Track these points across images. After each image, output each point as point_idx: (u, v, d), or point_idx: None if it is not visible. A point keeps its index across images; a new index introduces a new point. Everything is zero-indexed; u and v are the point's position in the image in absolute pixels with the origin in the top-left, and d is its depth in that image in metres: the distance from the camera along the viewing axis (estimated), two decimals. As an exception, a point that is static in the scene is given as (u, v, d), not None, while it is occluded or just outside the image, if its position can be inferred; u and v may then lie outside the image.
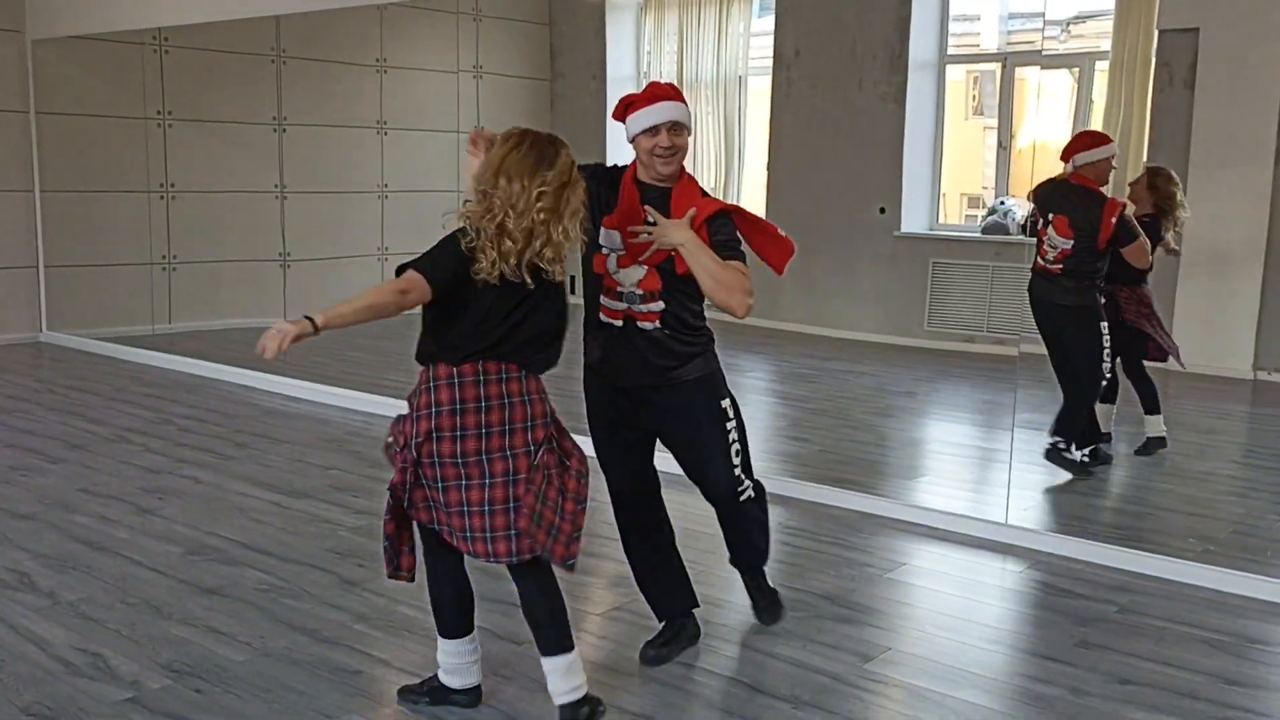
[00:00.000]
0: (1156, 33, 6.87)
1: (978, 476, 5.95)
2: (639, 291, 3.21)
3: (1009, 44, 8.67)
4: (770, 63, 9.25)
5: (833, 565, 4.27)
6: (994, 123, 8.50)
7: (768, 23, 9.37)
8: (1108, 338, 5.25)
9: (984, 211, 8.56)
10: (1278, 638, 3.79)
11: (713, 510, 3.51)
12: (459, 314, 2.81)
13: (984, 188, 8.97)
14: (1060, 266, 5.25)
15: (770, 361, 8.55)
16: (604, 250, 3.23)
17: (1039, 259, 5.36)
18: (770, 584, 3.70)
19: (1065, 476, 5.44)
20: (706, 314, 3.33)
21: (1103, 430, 5.55)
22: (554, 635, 2.95)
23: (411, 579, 2.99)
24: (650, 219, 3.17)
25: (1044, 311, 5.39)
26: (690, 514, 3.64)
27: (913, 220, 8.81)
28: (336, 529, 4.60)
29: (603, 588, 3.99)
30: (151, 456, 5.66)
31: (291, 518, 4.74)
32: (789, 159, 9.19)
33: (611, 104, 3.31)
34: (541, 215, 2.77)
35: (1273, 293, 6.43)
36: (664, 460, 3.43)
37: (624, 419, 3.34)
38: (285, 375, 7.14)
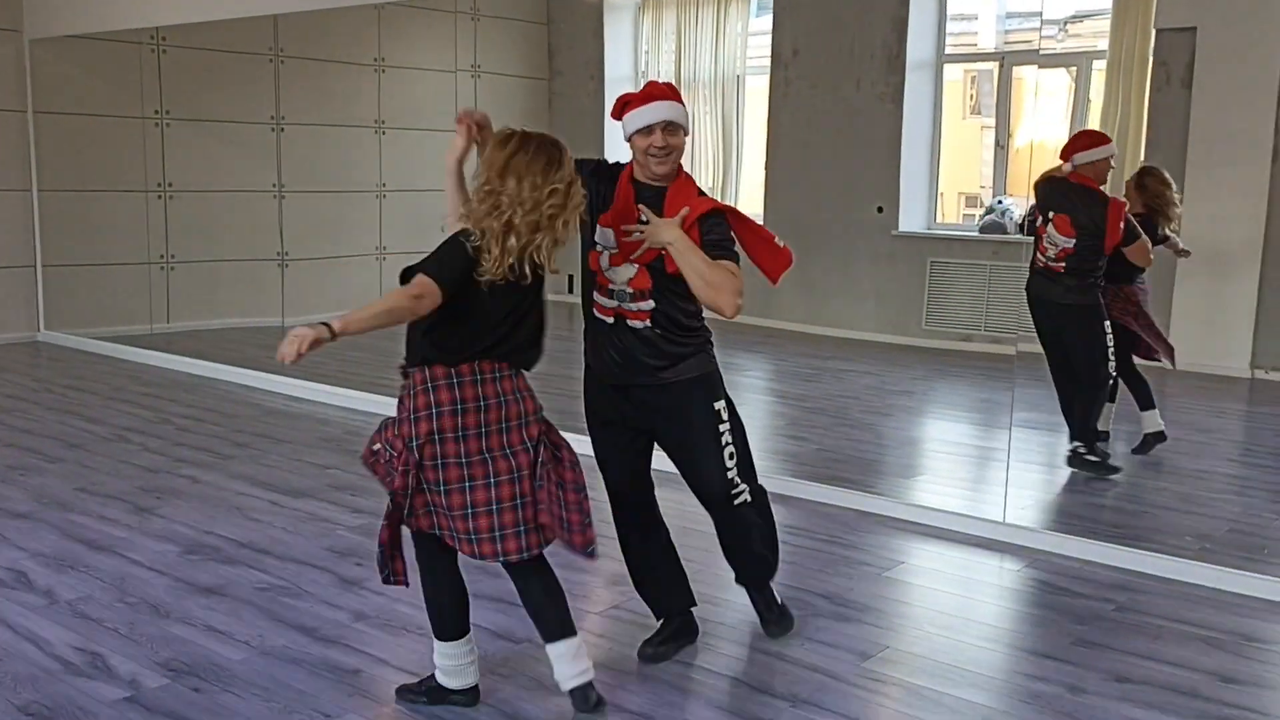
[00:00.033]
0: (1154, 32, 6.87)
1: (975, 475, 5.95)
2: (629, 290, 3.20)
3: (1006, 43, 8.67)
4: (768, 62, 9.24)
5: (831, 564, 4.28)
6: (992, 122, 8.50)
7: (765, 22, 9.36)
8: (1110, 336, 5.25)
9: (981, 211, 8.56)
10: (1275, 635, 3.79)
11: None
12: (461, 317, 2.82)
13: (981, 187, 8.96)
14: (1063, 265, 5.24)
15: (768, 361, 8.55)
16: (598, 247, 3.24)
17: (1039, 257, 5.33)
18: (778, 597, 3.61)
19: (1064, 476, 5.45)
20: (706, 314, 3.30)
21: (1101, 429, 5.55)
22: (557, 621, 2.98)
23: (407, 583, 2.99)
24: (643, 218, 3.17)
25: (1044, 310, 5.37)
26: (687, 513, 3.64)
27: (910, 219, 8.80)
28: (335, 528, 4.61)
29: (601, 586, 3.99)
30: (150, 456, 5.66)
31: (290, 517, 4.74)
32: (787, 158, 9.19)
33: (609, 103, 3.31)
34: (551, 211, 2.81)
35: (1270, 291, 6.44)
36: (659, 460, 3.43)
37: (620, 418, 3.34)
38: (284, 375, 7.12)
